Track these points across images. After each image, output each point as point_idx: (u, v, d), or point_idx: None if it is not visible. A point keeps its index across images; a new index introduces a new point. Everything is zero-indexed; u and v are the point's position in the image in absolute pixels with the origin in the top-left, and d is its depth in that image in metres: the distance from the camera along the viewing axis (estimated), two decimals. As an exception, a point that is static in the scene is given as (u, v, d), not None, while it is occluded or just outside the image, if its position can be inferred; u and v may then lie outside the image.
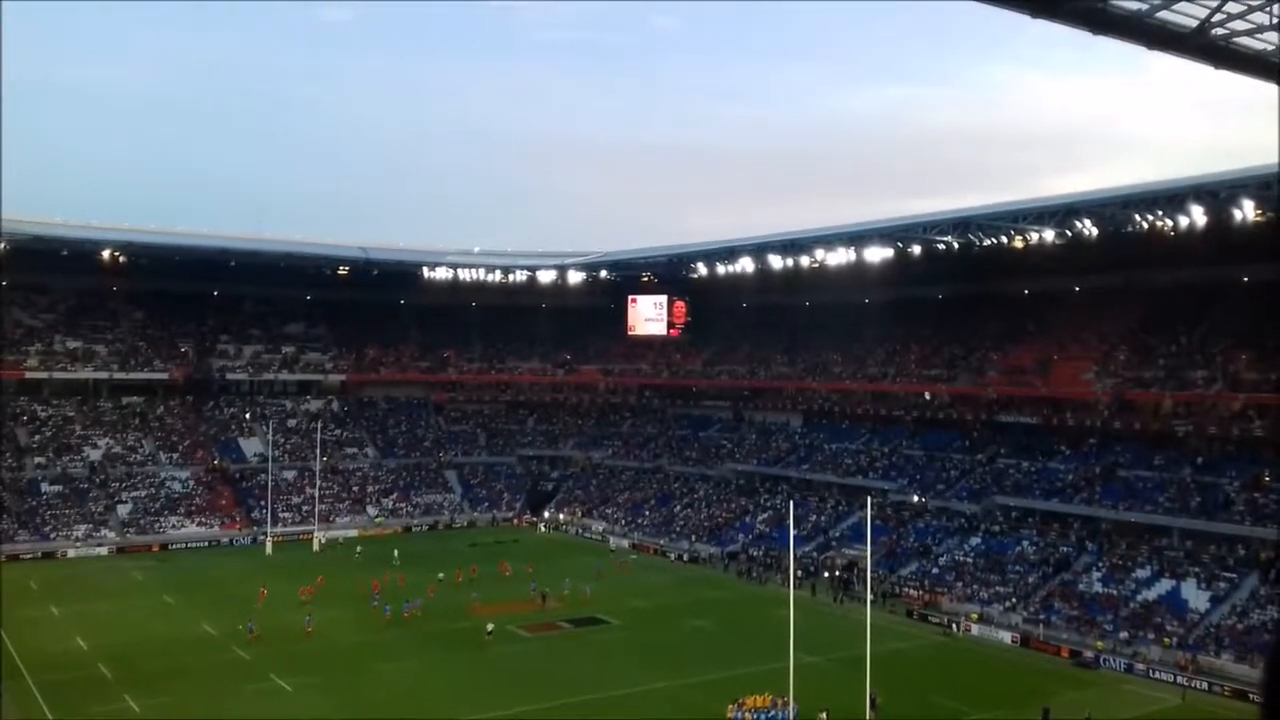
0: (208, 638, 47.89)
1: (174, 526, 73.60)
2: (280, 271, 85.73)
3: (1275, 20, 17.94)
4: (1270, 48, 18.34)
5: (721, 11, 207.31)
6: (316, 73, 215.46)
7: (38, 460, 75.50)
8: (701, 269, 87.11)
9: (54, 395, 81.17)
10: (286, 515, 76.71)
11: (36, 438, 77.63)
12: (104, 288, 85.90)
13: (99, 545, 69.57)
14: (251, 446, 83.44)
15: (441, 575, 59.91)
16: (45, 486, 73.55)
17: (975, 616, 53.38)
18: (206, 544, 72.35)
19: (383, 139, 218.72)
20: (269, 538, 70.83)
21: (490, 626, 48.81)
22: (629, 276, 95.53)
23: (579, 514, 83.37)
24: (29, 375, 79.79)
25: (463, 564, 63.69)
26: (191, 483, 78.45)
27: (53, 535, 69.32)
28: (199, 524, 74.61)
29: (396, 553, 66.51)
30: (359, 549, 69.85)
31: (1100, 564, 55.41)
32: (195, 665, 43.60)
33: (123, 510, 73.64)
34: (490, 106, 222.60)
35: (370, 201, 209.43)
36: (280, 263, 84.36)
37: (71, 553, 67.96)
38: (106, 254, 78.41)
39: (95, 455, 77.73)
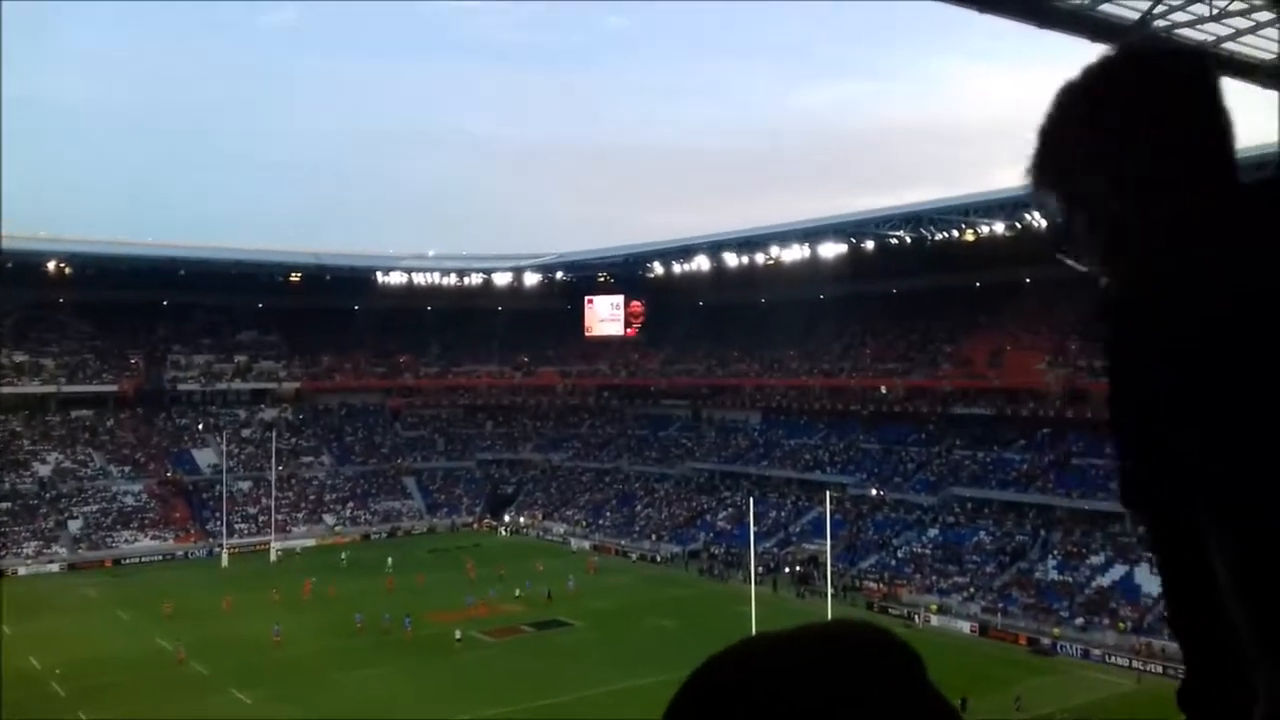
0: (163, 653, 47.08)
1: (127, 541, 72.26)
2: (231, 280, 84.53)
3: (1215, 11, 18.30)
4: (1210, 39, 18.71)
5: (672, 12, 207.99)
6: (257, 78, 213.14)
7: (-16, 477, 73.94)
8: (658, 268, 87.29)
9: (0, 410, 79.53)
10: (242, 526, 75.67)
11: (-18, 454, 76.01)
12: (50, 300, 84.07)
13: (50, 562, 68.14)
14: (205, 457, 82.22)
15: (512, 592, 57.78)
16: (-7, 503, 72.02)
17: (935, 607, 53.93)
18: (160, 558, 71.08)
19: (328, 144, 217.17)
20: (225, 550, 69.84)
21: (459, 633, 48.55)
22: (585, 277, 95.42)
23: (539, 517, 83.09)
24: (-27, 390, 78.11)
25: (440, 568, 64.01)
26: (144, 496, 77.13)
27: (2, 553, 67.80)
28: (153, 538, 73.34)
29: (390, 560, 64.92)
30: (344, 555, 68.97)
31: (1055, 552, 56.24)
32: (151, 681, 42.88)
33: (74, 526, 72.21)
34: (439, 109, 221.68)
35: (318, 208, 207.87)
36: (231, 270, 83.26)
37: (22, 570, 66.38)
38: (52, 265, 76.95)
39: (44, 470, 76.16)
